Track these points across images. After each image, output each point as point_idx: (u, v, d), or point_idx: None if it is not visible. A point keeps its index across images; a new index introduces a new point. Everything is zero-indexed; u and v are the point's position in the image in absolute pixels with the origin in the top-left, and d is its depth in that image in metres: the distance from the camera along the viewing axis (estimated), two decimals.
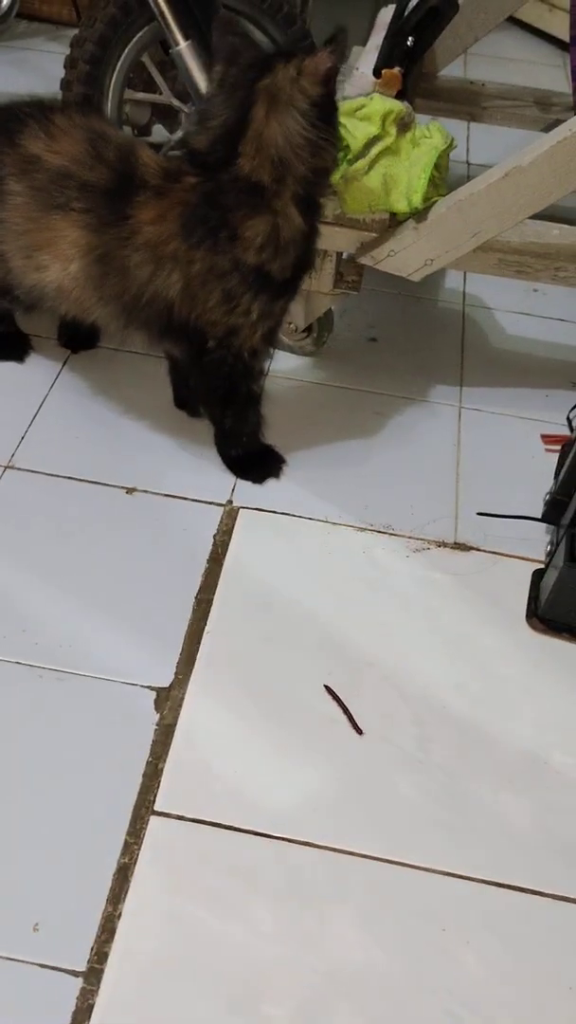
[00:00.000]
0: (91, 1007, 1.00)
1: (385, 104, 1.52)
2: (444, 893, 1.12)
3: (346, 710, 1.26)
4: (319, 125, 1.33)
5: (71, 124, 1.42)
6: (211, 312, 1.40)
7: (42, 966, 1.02)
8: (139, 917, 1.06)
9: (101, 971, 1.02)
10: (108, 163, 1.39)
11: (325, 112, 1.34)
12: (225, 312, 1.40)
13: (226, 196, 1.35)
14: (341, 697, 1.27)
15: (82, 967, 1.03)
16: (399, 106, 1.53)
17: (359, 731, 1.25)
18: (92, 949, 1.04)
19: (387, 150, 1.50)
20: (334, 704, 1.28)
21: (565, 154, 1.41)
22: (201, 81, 1.70)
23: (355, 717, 1.25)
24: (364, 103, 1.53)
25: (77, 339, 1.76)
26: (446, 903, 1.11)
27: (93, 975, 1.02)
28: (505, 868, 1.14)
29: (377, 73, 1.71)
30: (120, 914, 1.06)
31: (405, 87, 1.69)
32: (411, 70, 1.76)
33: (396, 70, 1.69)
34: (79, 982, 1.01)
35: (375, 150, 1.50)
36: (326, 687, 1.27)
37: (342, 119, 1.46)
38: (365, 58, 1.78)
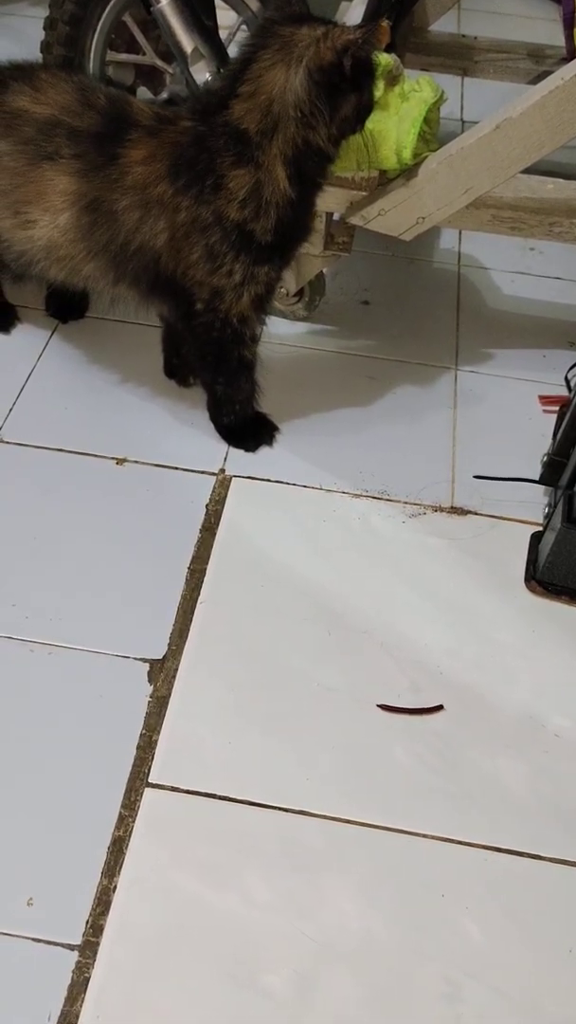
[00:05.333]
0: (87, 980, 0.99)
1: None
2: (442, 859, 1.11)
3: (412, 711, 1.22)
4: (318, 97, 1.27)
5: (57, 78, 1.40)
6: (194, 269, 1.37)
7: (37, 940, 1.02)
8: (134, 890, 1.06)
9: (97, 944, 1.02)
10: (98, 108, 1.36)
11: (330, 89, 1.27)
12: (208, 271, 1.36)
13: (216, 140, 1.31)
14: (410, 706, 1.23)
15: (77, 940, 1.02)
16: (386, 59, 1.48)
17: (439, 708, 1.23)
18: (87, 922, 1.03)
19: (375, 104, 1.45)
20: (330, 672, 1.26)
21: (557, 104, 1.36)
22: (184, 39, 1.66)
23: (393, 703, 1.23)
24: None
25: (65, 309, 1.73)
26: (444, 869, 1.10)
27: (89, 948, 1.01)
28: (503, 833, 1.13)
29: None
30: (115, 887, 1.06)
31: (393, 40, 1.64)
32: (399, 23, 1.72)
33: (384, 23, 1.64)
34: (75, 955, 1.01)
35: None
36: (379, 706, 1.23)
37: None
38: (352, 11, 1.73)
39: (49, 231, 1.38)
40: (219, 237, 1.34)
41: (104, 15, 1.76)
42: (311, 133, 1.30)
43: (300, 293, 1.72)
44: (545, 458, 1.48)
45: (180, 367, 1.63)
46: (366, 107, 1.35)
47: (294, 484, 1.50)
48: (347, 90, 1.30)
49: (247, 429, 1.55)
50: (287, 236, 1.39)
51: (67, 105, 1.36)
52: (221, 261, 1.35)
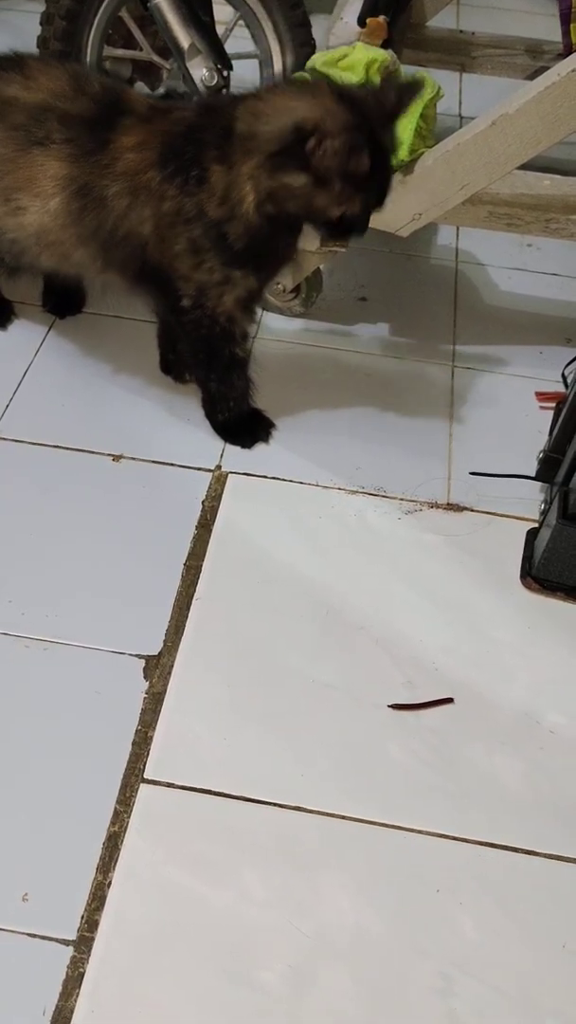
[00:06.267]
0: (82, 975, 0.99)
1: (368, 53, 1.48)
2: (437, 855, 1.11)
3: (424, 705, 1.23)
4: (276, 170, 1.27)
5: (48, 65, 1.40)
6: (179, 261, 1.36)
7: (32, 935, 1.02)
8: (129, 885, 1.06)
9: (91, 939, 1.02)
10: (91, 95, 1.36)
11: (284, 164, 1.26)
12: (191, 265, 1.36)
13: (207, 133, 1.31)
14: (410, 701, 1.23)
15: (72, 936, 1.02)
16: (383, 54, 1.48)
17: (449, 700, 1.23)
18: (82, 918, 1.03)
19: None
20: (326, 669, 1.26)
21: (553, 100, 1.36)
22: (181, 34, 1.66)
23: (419, 701, 1.23)
24: (347, 52, 1.49)
25: (62, 304, 1.73)
26: (439, 865, 1.10)
27: (83, 943, 1.01)
28: (499, 829, 1.13)
29: (362, 22, 1.66)
30: (110, 882, 1.06)
31: (391, 36, 1.64)
32: (397, 18, 1.72)
33: (381, 19, 1.64)
34: (69, 951, 1.01)
35: None
36: (390, 706, 1.23)
37: (324, 68, 1.41)
38: (350, 7, 1.73)
39: (39, 216, 1.38)
40: (201, 232, 1.34)
41: (101, 10, 1.76)
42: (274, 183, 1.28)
43: (297, 289, 1.72)
44: (541, 455, 1.48)
45: (176, 363, 1.63)
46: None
47: (290, 481, 1.50)
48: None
49: (243, 426, 1.55)
50: (258, 255, 1.37)
51: (59, 91, 1.36)
52: (203, 256, 1.35)
